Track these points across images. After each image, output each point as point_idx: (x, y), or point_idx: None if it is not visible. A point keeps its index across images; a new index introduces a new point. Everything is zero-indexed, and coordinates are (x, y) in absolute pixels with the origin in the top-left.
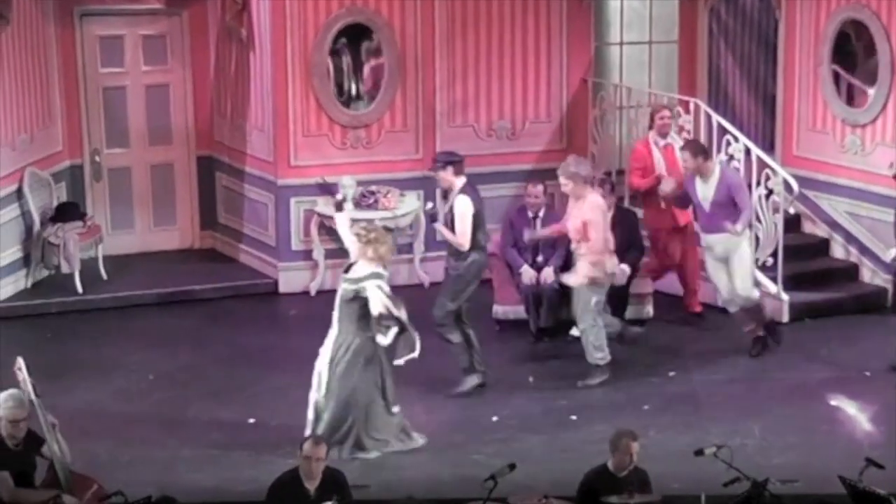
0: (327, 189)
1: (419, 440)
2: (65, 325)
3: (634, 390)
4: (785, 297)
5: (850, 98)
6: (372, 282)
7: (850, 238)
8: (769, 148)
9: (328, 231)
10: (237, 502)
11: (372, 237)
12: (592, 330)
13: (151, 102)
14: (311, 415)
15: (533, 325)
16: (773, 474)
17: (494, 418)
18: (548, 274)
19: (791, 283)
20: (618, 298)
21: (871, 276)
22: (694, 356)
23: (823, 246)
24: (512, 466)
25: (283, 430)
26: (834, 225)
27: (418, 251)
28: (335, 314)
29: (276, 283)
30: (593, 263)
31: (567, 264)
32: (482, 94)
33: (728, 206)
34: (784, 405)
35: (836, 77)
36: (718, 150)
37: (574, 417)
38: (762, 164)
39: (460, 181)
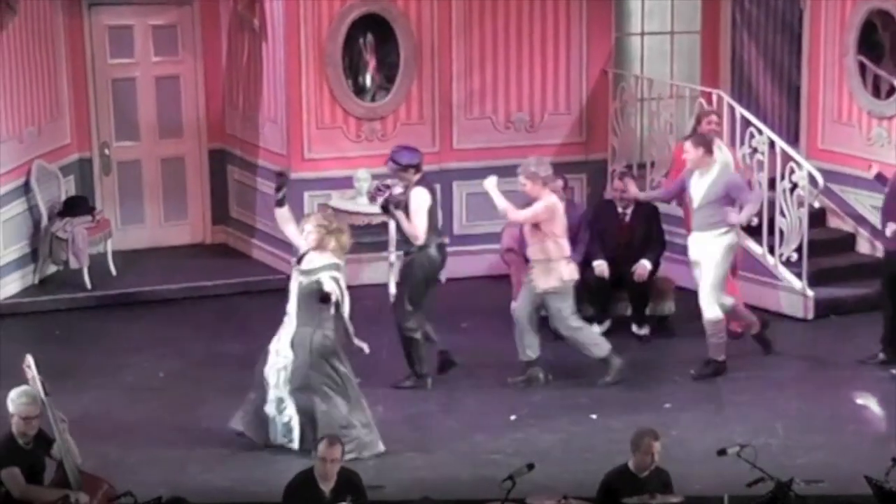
0: (279, 182)
1: (372, 449)
2: (73, 322)
3: (656, 388)
4: (810, 293)
5: (877, 89)
6: (328, 273)
7: (876, 233)
8: (793, 140)
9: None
10: (249, 503)
11: (335, 227)
12: (577, 332)
13: (162, 94)
14: (272, 411)
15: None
16: (797, 474)
17: (512, 417)
18: None
19: (816, 279)
20: (639, 295)
21: None
22: None
23: (849, 241)
24: (530, 466)
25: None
26: (860, 219)
27: None
28: (291, 308)
29: (289, 279)
30: (546, 272)
31: (588, 260)
32: (500, 85)
33: (715, 207)
34: (809, 403)
35: (862, 68)
36: (742, 143)
37: (594, 416)
38: (786, 157)
39: (418, 178)
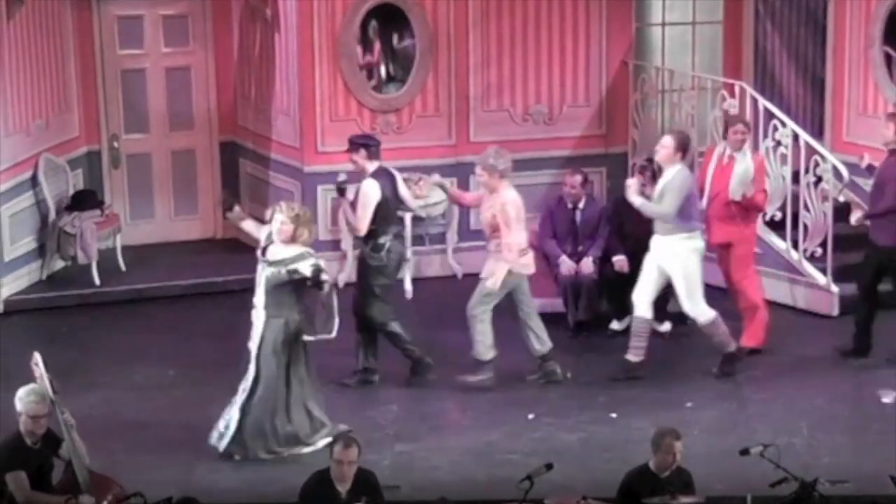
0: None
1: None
2: (81, 319)
3: (677, 387)
4: (835, 289)
5: None
6: (306, 262)
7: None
8: (818, 133)
9: None
10: (260, 503)
11: (306, 218)
12: (477, 322)
13: (172, 85)
14: (236, 413)
15: (571, 318)
16: (822, 474)
17: (530, 416)
18: (587, 265)
19: (841, 275)
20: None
21: None
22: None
23: None
24: (549, 466)
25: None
26: None
27: (451, 241)
28: (259, 301)
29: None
30: (497, 261)
31: (607, 255)
32: (517, 76)
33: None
34: (833, 402)
35: (888, 59)
36: (765, 136)
37: (614, 415)
38: (811, 151)
39: (372, 166)
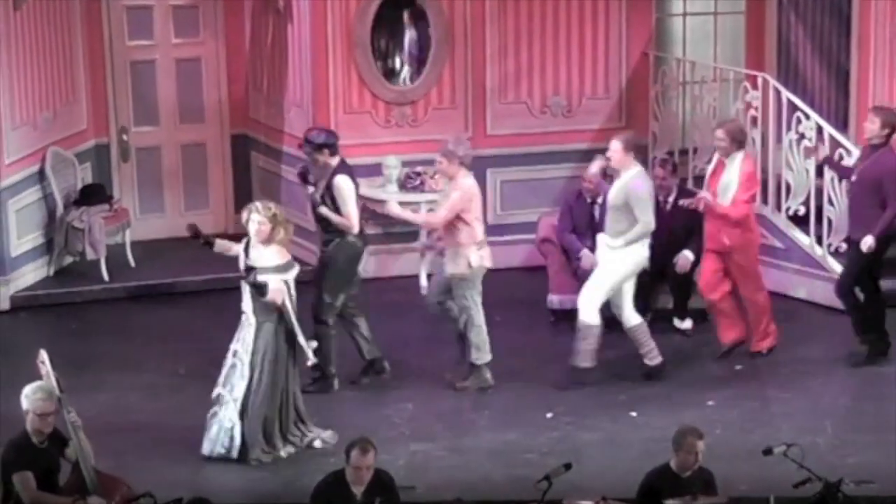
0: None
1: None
2: (90, 315)
3: (698, 385)
4: None
5: None
6: (278, 276)
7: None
8: (842, 126)
9: (373, 215)
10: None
11: (283, 217)
12: (472, 327)
13: (182, 77)
14: (237, 421)
15: None
16: (846, 475)
17: (549, 415)
18: None
19: None
20: (681, 287)
21: None
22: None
23: None
24: (567, 466)
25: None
26: None
27: None
28: (247, 307)
29: (313, 269)
30: (455, 256)
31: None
32: (535, 68)
33: (622, 213)
34: (859, 401)
35: None
36: (788, 129)
37: (634, 414)
38: (835, 144)
39: (335, 160)
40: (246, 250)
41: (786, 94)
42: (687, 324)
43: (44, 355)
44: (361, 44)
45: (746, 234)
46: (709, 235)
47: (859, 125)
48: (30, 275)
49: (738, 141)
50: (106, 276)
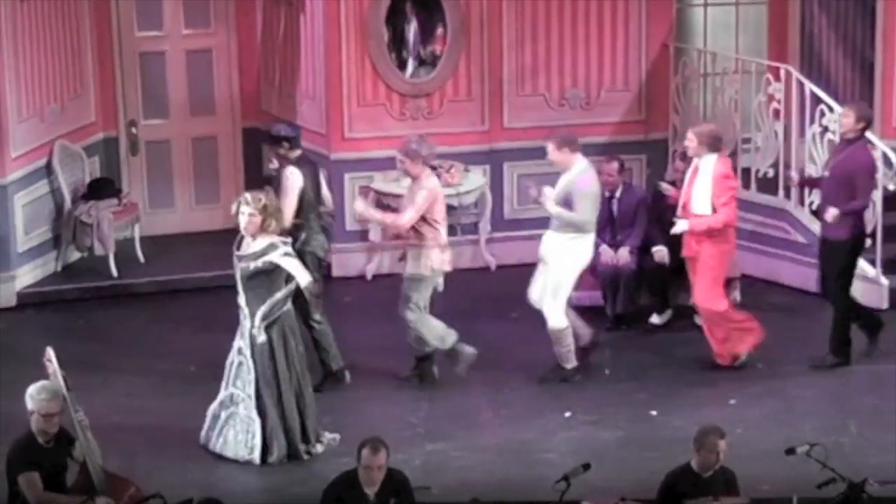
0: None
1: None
2: (98, 311)
3: (720, 383)
4: (884, 281)
5: None
6: (279, 251)
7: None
8: None
9: (387, 209)
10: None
11: (274, 207)
12: (419, 324)
13: (193, 69)
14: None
15: (609, 311)
16: (871, 475)
17: (567, 414)
18: (623, 255)
19: (891, 267)
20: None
21: None
22: (784, 346)
23: None
24: (586, 466)
25: (336, 428)
26: None
27: (484, 231)
28: (241, 300)
29: (328, 266)
30: (417, 257)
31: (646, 246)
32: (553, 59)
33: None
34: (883, 399)
35: None
36: (811, 121)
37: (654, 412)
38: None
39: (294, 154)
40: (238, 244)
41: (809, 86)
42: (657, 319)
43: (51, 353)
44: (375, 35)
45: (720, 245)
46: (685, 242)
47: (884, 118)
48: (37, 270)
49: (708, 144)
50: (115, 272)
